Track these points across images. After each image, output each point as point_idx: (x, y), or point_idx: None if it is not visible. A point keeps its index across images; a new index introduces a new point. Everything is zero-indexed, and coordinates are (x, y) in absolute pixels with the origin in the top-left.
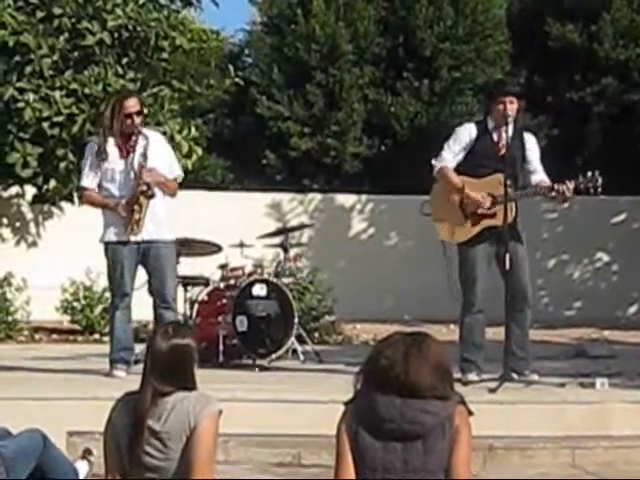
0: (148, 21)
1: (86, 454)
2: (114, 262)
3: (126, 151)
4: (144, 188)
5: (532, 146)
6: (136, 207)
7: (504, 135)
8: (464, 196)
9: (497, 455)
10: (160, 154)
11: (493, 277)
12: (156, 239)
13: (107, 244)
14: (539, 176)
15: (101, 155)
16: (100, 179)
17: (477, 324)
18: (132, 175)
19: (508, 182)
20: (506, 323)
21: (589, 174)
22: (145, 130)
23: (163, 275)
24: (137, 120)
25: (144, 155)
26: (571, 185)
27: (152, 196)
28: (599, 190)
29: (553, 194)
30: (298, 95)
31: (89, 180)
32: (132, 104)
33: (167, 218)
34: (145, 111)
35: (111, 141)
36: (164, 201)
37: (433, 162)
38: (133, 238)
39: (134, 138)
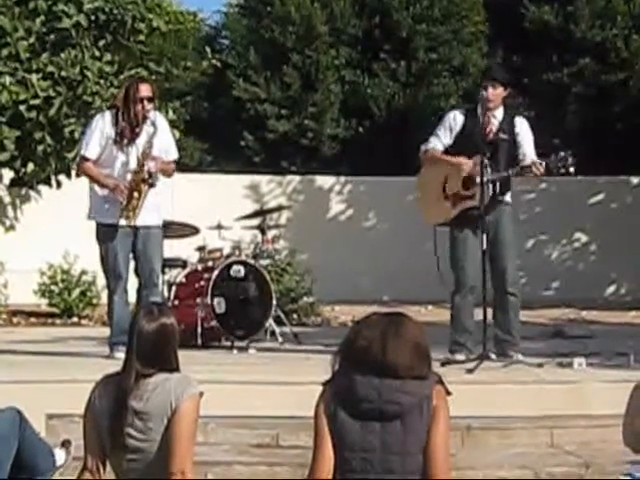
0: (125, 3)
1: (66, 444)
2: (106, 244)
3: (131, 137)
4: (146, 176)
5: (522, 130)
6: (135, 194)
7: (493, 120)
8: (447, 163)
9: (475, 435)
10: (158, 137)
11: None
12: (149, 224)
13: (99, 225)
14: (527, 161)
15: (110, 132)
16: (99, 156)
17: (466, 304)
18: (133, 161)
19: (485, 163)
20: (484, 304)
21: (561, 154)
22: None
23: (153, 257)
24: (148, 106)
25: (149, 143)
26: (542, 167)
27: (153, 185)
28: (571, 170)
29: (525, 172)
30: (275, 77)
31: (92, 151)
32: (145, 89)
33: (165, 202)
34: (154, 98)
35: (124, 126)
36: (163, 186)
37: (421, 147)
38: (126, 222)
39: (141, 124)
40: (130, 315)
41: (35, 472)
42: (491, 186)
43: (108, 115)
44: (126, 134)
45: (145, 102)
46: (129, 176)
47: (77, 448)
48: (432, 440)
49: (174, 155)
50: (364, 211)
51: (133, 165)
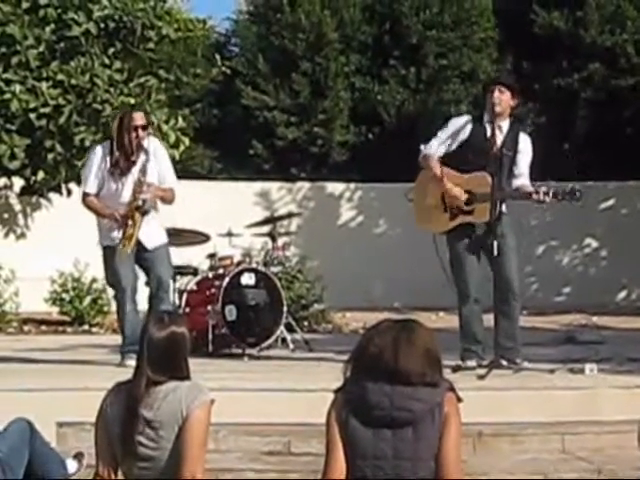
0: (134, 11)
1: (79, 456)
2: (110, 264)
3: (127, 166)
4: (140, 204)
5: (524, 148)
6: (130, 222)
7: (497, 132)
8: (442, 185)
9: (487, 442)
10: (153, 164)
11: (486, 266)
12: (155, 246)
13: (105, 248)
14: (520, 181)
15: (106, 164)
16: (100, 188)
17: (474, 315)
18: (129, 190)
19: (492, 181)
20: (494, 313)
21: (569, 187)
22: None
23: (162, 272)
24: (142, 134)
25: (143, 171)
26: (549, 196)
27: (146, 213)
28: (576, 202)
29: (530, 199)
30: (284, 84)
31: (91, 186)
32: (138, 117)
33: (160, 226)
34: (150, 129)
35: (119, 155)
36: (155, 210)
37: (421, 147)
38: (124, 250)
39: (136, 153)
40: (140, 324)
41: None
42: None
43: (103, 147)
44: (121, 163)
45: (139, 130)
46: (125, 204)
47: (89, 456)
48: (444, 447)
49: (172, 183)
50: (374, 217)
51: (129, 194)
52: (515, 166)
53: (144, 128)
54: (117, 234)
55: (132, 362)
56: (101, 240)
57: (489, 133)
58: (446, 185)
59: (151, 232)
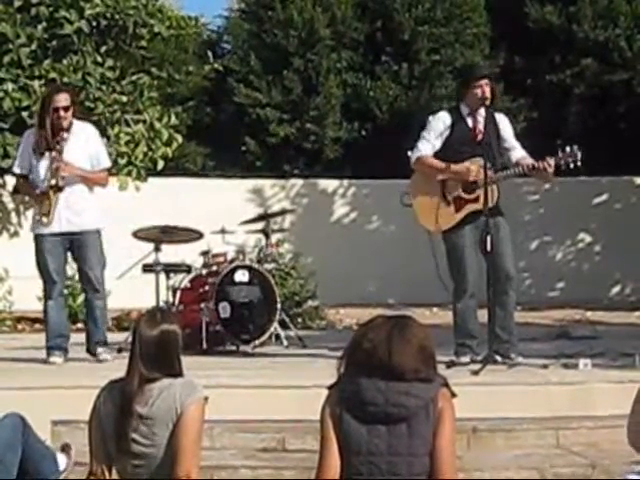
0: (126, 9)
1: (66, 448)
2: (40, 253)
3: (49, 146)
4: (52, 183)
5: (505, 125)
6: (45, 201)
7: (479, 119)
8: (449, 172)
9: (481, 437)
10: (84, 146)
11: (481, 260)
12: (77, 230)
13: (35, 236)
14: (518, 152)
15: (33, 147)
16: (29, 169)
17: (469, 310)
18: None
19: (488, 165)
20: (489, 305)
21: (567, 149)
22: (76, 122)
23: (88, 263)
24: (63, 114)
25: (60, 150)
26: (551, 161)
27: (60, 189)
28: (579, 164)
29: (534, 172)
30: (276, 81)
31: (17, 166)
32: (60, 99)
33: (92, 207)
34: (71, 107)
35: (41, 135)
36: (88, 191)
37: (409, 154)
38: (53, 230)
39: (61, 134)
40: (66, 319)
41: (39, 477)
42: (495, 187)
43: (33, 130)
44: (42, 144)
45: (61, 111)
46: (46, 183)
47: (82, 454)
48: (438, 442)
49: (105, 164)
50: (368, 214)
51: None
52: (504, 141)
53: (66, 109)
54: (41, 217)
55: (56, 359)
56: (34, 228)
57: (471, 123)
58: (455, 167)
59: (81, 214)
